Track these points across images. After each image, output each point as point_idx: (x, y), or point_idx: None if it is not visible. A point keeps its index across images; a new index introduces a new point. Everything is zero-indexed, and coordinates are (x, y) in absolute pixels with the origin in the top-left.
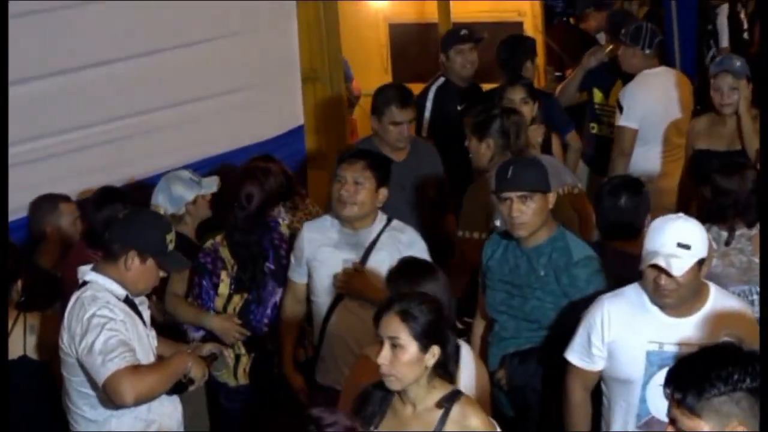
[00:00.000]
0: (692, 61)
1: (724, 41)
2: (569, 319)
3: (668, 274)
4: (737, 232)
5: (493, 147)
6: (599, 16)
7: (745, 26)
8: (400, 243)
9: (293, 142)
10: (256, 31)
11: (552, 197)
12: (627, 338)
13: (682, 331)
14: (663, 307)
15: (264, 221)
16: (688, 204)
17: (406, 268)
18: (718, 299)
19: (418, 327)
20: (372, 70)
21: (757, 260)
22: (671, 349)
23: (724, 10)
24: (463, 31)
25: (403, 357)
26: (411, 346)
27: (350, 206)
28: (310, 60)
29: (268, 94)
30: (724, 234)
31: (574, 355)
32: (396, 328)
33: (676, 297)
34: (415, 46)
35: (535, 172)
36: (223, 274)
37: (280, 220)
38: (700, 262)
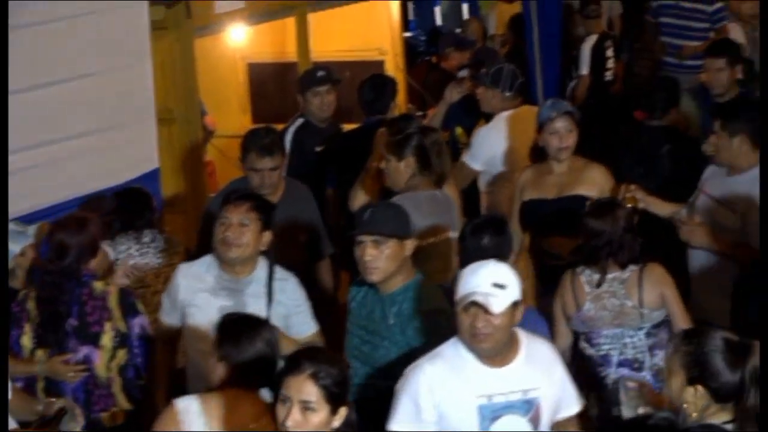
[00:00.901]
0: (555, 95)
1: (584, 69)
2: None
3: (486, 312)
4: (610, 275)
5: (412, 166)
6: (460, 55)
7: (609, 65)
8: (284, 293)
9: (148, 186)
10: (111, 71)
11: (410, 244)
12: (455, 397)
13: (506, 379)
14: (481, 355)
15: (76, 275)
16: None
17: (233, 325)
18: (529, 344)
19: (330, 389)
20: (231, 110)
21: (630, 303)
22: (501, 399)
23: (591, 40)
24: (320, 73)
25: (314, 420)
26: (323, 410)
27: (235, 248)
28: (166, 100)
29: (123, 136)
30: (597, 277)
31: (400, 425)
32: (309, 391)
33: (493, 342)
34: (274, 86)
35: (393, 216)
36: (27, 327)
37: (95, 281)
38: (515, 306)
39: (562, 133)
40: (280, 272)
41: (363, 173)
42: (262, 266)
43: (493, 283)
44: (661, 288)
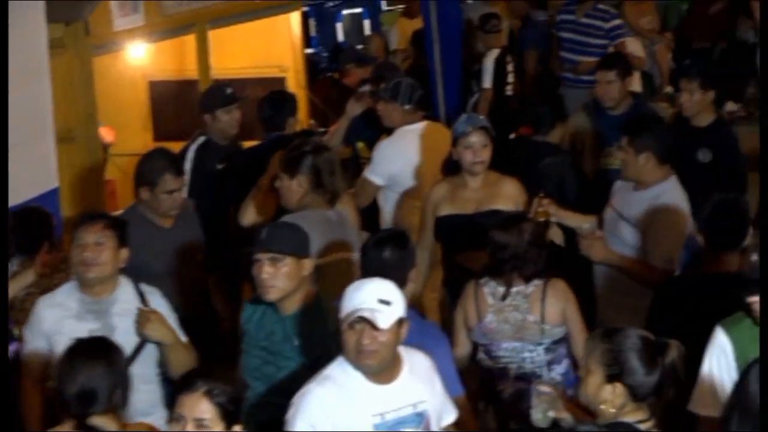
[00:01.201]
0: (456, 109)
1: (487, 82)
2: None
3: (373, 328)
4: (513, 289)
5: (304, 185)
6: (361, 71)
7: (510, 80)
8: (157, 306)
9: (48, 205)
10: (9, 89)
11: (308, 263)
12: (350, 419)
13: (396, 395)
14: (368, 372)
15: None
16: None
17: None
18: (409, 357)
19: (225, 407)
20: (132, 129)
21: (531, 318)
22: (393, 416)
23: (493, 53)
24: (229, 90)
25: None
26: (217, 428)
27: (94, 268)
28: (65, 119)
29: (22, 155)
30: (501, 289)
31: None
32: (203, 408)
33: (379, 359)
34: (175, 104)
35: (290, 235)
36: None
37: None
38: (400, 323)
39: (477, 147)
40: (144, 286)
41: (254, 190)
42: (123, 284)
43: (378, 299)
44: (564, 303)
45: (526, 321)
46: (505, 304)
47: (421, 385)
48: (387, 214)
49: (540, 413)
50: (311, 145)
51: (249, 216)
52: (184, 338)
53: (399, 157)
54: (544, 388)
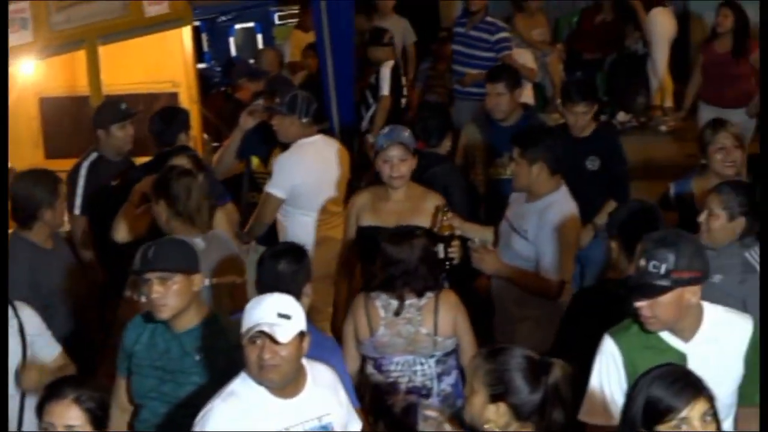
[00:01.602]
0: (350, 121)
1: (386, 89)
2: None
3: (273, 342)
4: (407, 302)
5: (164, 210)
6: (254, 85)
7: (405, 93)
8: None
9: None
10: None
11: (198, 279)
12: None
13: (300, 409)
14: (271, 387)
15: None
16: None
17: None
18: (313, 369)
19: (94, 413)
20: (23, 146)
21: (424, 330)
22: (298, 429)
23: (389, 64)
24: (124, 106)
25: None
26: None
27: None
28: None
29: None
30: (394, 303)
31: None
32: (73, 415)
33: (282, 374)
34: (67, 120)
35: (177, 252)
36: None
37: None
38: (302, 336)
39: (395, 162)
40: (17, 302)
41: (126, 204)
42: None
43: (278, 314)
44: (455, 315)
45: (419, 333)
46: (399, 318)
47: (326, 397)
48: (285, 229)
49: None
50: (176, 169)
51: (121, 232)
52: (59, 348)
53: (299, 170)
54: (431, 413)
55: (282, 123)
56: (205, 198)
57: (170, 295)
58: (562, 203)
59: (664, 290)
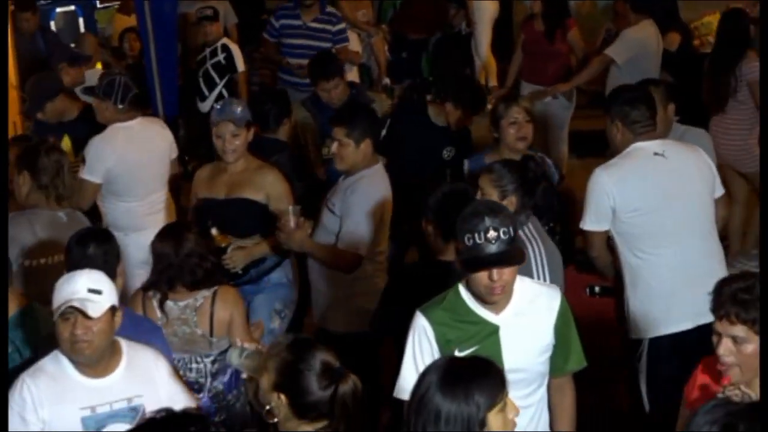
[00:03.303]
0: (175, 105)
1: (241, 66)
2: None
3: (85, 317)
4: (182, 302)
5: (28, 182)
6: (74, 71)
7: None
8: None
9: None
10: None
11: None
12: (58, 411)
13: (110, 389)
14: (82, 364)
15: None
16: None
17: None
18: (131, 353)
19: None
20: None
21: (200, 331)
22: (105, 409)
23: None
24: None
25: None
26: None
27: None
28: None
29: None
30: (170, 303)
31: None
32: None
33: (93, 349)
34: None
35: None
36: None
37: None
38: (113, 311)
39: (226, 137)
40: None
41: None
42: None
43: (89, 289)
44: (231, 313)
45: (195, 334)
46: (174, 318)
47: (140, 379)
48: (105, 216)
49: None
50: (45, 144)
51: None
52: None
53: (112, 153)
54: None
55: (100, 107)
56: (71, 177)
57: None
58: (371, 179)
59: (523, 256)
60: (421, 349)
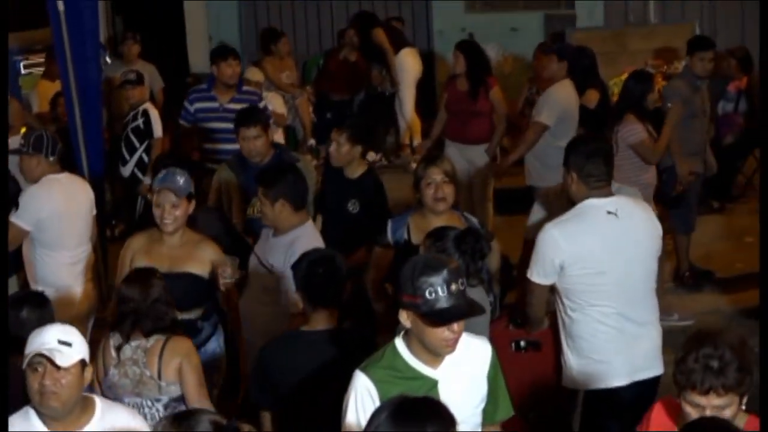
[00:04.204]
0: (100, 165)
1: (159, 132)
2: None
3: (54, 367)
4: (134, 343)
5: None
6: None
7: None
8: None
9: None
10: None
11: None
12: None
13: None
14: (50, 417)
15: None
16: None
17: None
18: (105, 411)
19: None
20: None
21: (148, 373)
22: None
23: (152, 106)
24: None
25: None
26: None
27: None
28: None
29: None
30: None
31: None
32: None
33: (61, 402)
34: None
35: None
36: None
37: None
38: (83, 365)
39: (166, 207)
40: None
41: None
42: None
43: (59, 341)
44: (180, 361)
45: (144, 376)
46: (126, 358)
47: None
48: (32, 266)
49: None
50: None
51: None
52: None
53: (47, 203)
54: None
55: (29, 164)
56: None
57: None
58: (306, 238)
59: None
60: (364, 408)
